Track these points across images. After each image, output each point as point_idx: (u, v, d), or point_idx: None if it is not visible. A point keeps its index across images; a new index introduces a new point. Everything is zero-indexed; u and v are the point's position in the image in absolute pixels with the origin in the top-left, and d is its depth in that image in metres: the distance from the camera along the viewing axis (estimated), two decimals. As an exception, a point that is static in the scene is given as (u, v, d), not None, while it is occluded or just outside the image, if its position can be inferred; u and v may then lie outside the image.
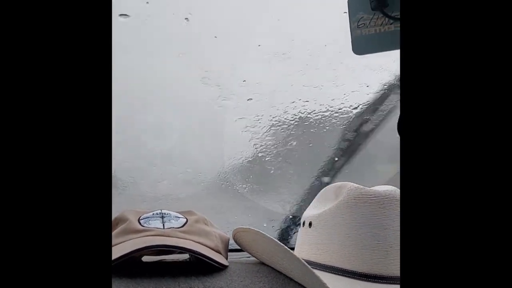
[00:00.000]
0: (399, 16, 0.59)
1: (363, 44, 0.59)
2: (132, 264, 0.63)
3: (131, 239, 0.60)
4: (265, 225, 0.94)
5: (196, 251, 0.58)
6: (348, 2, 0.59)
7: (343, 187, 0.63)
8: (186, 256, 0.68)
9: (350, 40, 0.60)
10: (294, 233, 0.93)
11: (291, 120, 0.93)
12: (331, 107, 0.92)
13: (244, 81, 0.90)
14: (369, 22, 0.59)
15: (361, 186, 0.61)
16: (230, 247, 0.70)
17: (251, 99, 0.91)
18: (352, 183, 0.62)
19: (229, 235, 0.70)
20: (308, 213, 0.65)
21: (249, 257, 0.70)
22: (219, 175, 0.91)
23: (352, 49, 0.60)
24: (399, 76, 0.38)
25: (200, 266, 0.60)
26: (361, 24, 0.59)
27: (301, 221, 0.66)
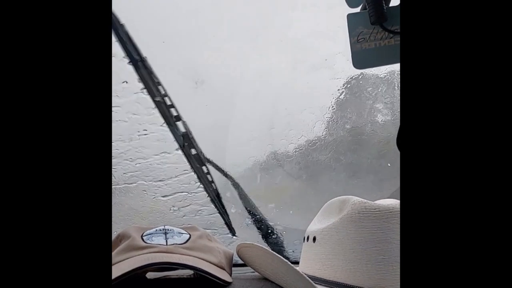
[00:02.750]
0: (398, 30, 0.59)
1: (363, 58, 0.59)
2: (136, 280, 0.63)
3: (134, 256, 0.60)
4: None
5: (199, 268, 0.58)
6: (347, 16, 0.59)
7: (347, 201, 0.62)
8: (190, 272, 0.67)
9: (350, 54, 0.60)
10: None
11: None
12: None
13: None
14: (369, 37, 0.59)
15: (365, 200, 0.60)
16: (234, 261, 0.70)
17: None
18: (356, 197, 0.62)
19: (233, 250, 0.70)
20: (312, 228, 0.65)
21: (253, 272, 0.69)
22: (224, 186, 0.90)
23: (352, 63, 0.60)
24: (399, 89, 0.38)
25: (204, 283, 0.60)
26: (361, 38, 0.59)
27: (305, 236, 0.66)
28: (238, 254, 0.68)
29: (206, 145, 0.86)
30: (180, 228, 0.67)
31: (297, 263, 0.66)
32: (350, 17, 0.59)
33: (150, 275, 0.68)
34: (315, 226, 0.64)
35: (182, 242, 0.63)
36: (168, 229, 0.65)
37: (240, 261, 0.69)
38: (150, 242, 0.62)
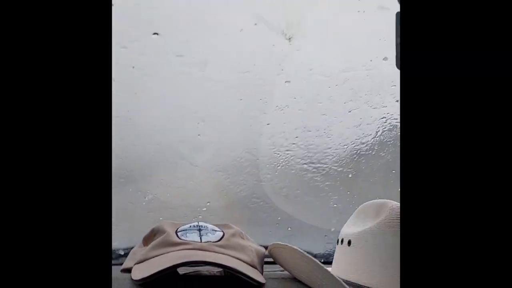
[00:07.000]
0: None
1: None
2: (167, 276, 0.63)
3: (168, 252, 0.60)
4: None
5: (233, 268, 0.57)
6: (396, 15, 0.56)
7: (384, 205, 0.61)
8: (220, 268, 0.67)
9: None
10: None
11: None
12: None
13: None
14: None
15: (404, 205, 0.59)
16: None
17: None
18: (394, 202, 0.60)
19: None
20: (347, 231, 0.63)
21: (282, 270, 0.69)
22: (254, 186, 0.90)
23: (396, 65, 0.57)
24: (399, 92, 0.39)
25: (236, 282, 0.59)
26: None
27: (339, 238, 0.64)
28: (270, 254, 0.67)
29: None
30: (213, 225, 0.67)
31: (329, 263, 0.65)
32: (398, 15, 0.56)
33: (181, 269, 0.68)
34: (350, 229, 0.63)
35: (216, 240, 0.63)
36: (202, 226, 0.65)
37: (269, 259, 0.69)
38: (184, 239, 0.62)
